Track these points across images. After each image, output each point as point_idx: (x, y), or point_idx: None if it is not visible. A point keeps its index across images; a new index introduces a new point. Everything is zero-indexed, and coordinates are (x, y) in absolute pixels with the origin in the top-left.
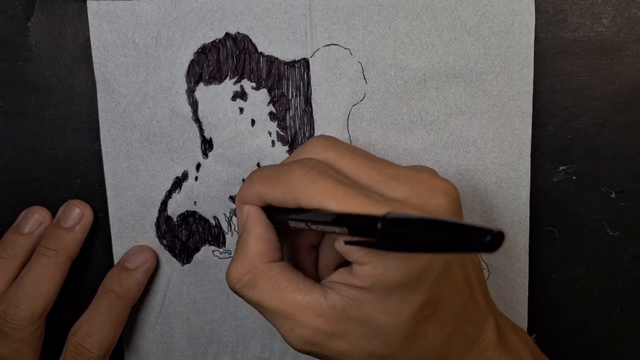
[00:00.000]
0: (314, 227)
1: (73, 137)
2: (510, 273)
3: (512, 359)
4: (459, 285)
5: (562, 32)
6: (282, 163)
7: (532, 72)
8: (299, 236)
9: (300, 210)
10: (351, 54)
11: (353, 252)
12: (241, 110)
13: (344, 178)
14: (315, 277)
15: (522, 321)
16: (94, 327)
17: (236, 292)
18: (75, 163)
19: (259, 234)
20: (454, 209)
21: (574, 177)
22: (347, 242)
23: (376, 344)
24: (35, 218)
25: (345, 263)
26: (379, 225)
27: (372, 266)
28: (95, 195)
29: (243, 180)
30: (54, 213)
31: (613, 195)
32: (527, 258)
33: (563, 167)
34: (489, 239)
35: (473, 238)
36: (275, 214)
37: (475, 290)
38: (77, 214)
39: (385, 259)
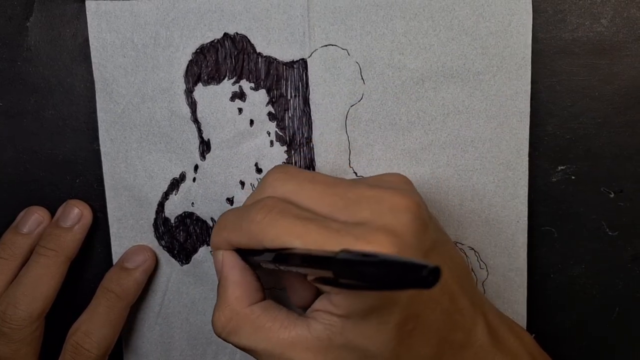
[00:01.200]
0: (281, 267)
1: (72, 137)
2: (508, 272)
3: (507, 358)
4: (436, 296)
5: (561, 32)
6: (245, 206)
7: (530, 71)
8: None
9: (266, 252)
10: (349, 54)
11: (322, 285)
12: (240, 110)
13: (304, 212)
14: (309, 291)
15: (522, 320)
16: (93, 327)
17: (223, 340)
18: (74, 163)
19: (235, 280)
20: (417, 225)
21: (573, 177)
22: (313, 280)
23: None
24: (34, 218)
25: None
26: (334, 267)
27: (343, 296)
28: (95, 195)
29: (240, 182)
30: (53, 213)
31: (612, 195)
32: (525, 257)
33: (562, 167)
34: (425, 274)
35: (410, 274)
36: (248, 255)
37: (456, 297)
38: (76, 214)
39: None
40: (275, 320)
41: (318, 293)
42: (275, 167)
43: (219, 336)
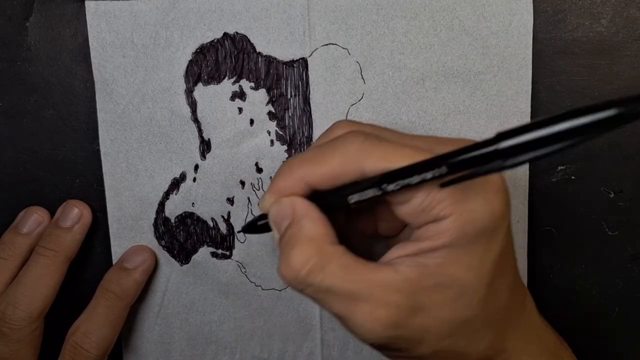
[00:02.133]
0: (391, 187)
1: (72, 137)
2: None
3: (548, 328)
4: (511, 245)
5: (561, 32)
6: (317, 145)
7: (530, 71)
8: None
9: (355, 185)
10: (349, 53)
11: (431, 209)
12: (240, 110)
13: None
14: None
15: None
16: (93, 327)
17: (300, 282)
18: (74, 163)
19: (315, 218)
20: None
21: (573, 177)
22: (443, 185)
23: (457, 308)
24: (34, 218)
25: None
26: (505, 144)
27: (455, 217)
28: (94, 195)
29: (241, 182)
30: (52, 213)
31: (612, 195)
32: (525, 257)
33: (562, 167)
34: (615, 112)
35: (600, 115)
36: (322, 198)
37: (515, 265)
38: (76, 214)
39: (469, 206)
40: (359, 262)
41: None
42: (340, 120)
43: (294, 278)
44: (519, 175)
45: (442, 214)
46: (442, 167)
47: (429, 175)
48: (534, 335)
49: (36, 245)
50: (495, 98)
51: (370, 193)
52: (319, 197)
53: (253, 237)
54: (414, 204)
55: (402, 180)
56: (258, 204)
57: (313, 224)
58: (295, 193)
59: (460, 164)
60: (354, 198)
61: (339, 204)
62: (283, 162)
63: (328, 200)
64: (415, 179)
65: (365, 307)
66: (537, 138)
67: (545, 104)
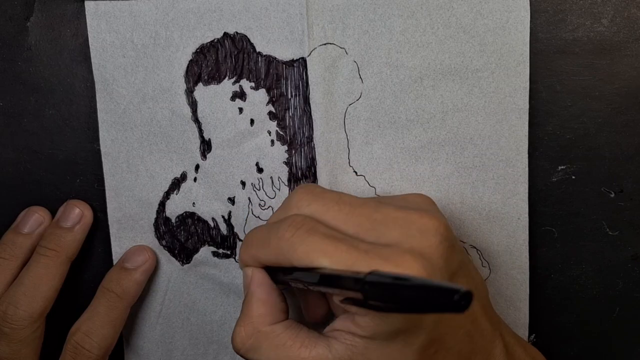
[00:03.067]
0: (310, 287)
1: (73, 137)
2: (510, 270)
3: None
4: (460, 319)
5: (562, 32)
6: (271, 223)
7: (528, 68)
8: None
9: (297, 269)
10: (347, 53)
11: (351, 305)
12: (240, 110)
13: (331, 231)
14: (326, 310)
15: (524, 318)
16: (93, 327)
17: (242, 356)
18: (74, 163)
19: (261, 297)
20: (445, 247)
21: (573, 177)
22: (341, 301)
23: None
24: (34, 218)
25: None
26: (363, 288)
27: (370, 317)
28: (95, 196)
29: (241, 182)
30: (53, 213)
31: (612, 195)
32: (527, 255)
33: (562, 167)
34: (457, 299)
35: (442, 299)
36: (275, 273)
37: (478, 318)
38: (77, 214)
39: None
40: (296, 339)
41: (329, 310)
42: (300, 187)
43: (237, 352)
44: (518, 172)
45: (360, 312)
46: (335, 289)
47: (329, 290)
48: None
49: (37, 245)
50: (493, 95)
51: (299, 285)
52: (274, 269)
53: None
54: (337, 298)
55: (315, 286)
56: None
57: (257, 305)
58: (254, 265)
59: (344, 288)
60: (292, 283)
61: (286, 283)
62: (248, 232)
63: (278, 276)
64: (322, 288)
65: None
66: (396, 296)
67: (545, 104)
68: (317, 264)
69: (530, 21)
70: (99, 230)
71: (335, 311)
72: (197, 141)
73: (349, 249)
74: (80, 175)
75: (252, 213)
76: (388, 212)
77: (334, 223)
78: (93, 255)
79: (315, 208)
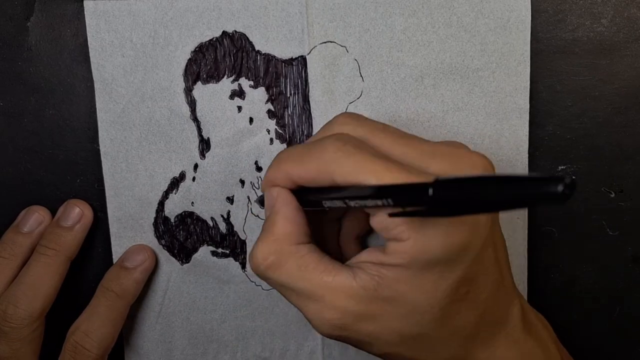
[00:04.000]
0: (352, 203)
1: (73, 137)
2: None
3: (535, 342)
4: (492, 266)
5: (562, 32)
6: (310, 141)
7: (529, 68)
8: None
9: (333, 189)
10: (347, 51)
11: (392, 229)
12: (239, 108)
13: (380, 153)
14: (338, 249)
15: None
16: (93, 326)
17: (260, 274)
18: (75, 163)
19: (287, 215)
20: None
21: (574, 177)
22: (391, 215)
23: (408, 323)
24: (34, 217)
25: (365, 235)
26: (430, 192)
27: (412, 242)
28: (95, 195)
29: (240, 180)
30: (53, 213)
31: (613, 195)
32: (525, 254)
33: (562, 167)
34: (561, 189)
35: (543, 188)
36: (305, 195)
37: (504, 272)
38: (77, 213)
39: (426, 234)
40: (320, 263)
41: (357, 237)
42: (343, 112)
43: (255, 270)
44: (518, 171)
45: (401, 236)
46: (389, 200)
47: (379, 202)
48: (514, 346)
49: (37, 245)
50: (494, 95)
51: (337, 203)
52: (305, 191)
53: (254, 236)
54: (377, 221)
55: (360, 201)
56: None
57: (282, 222)
58: (283, 185)
59: (403, 200)
60: (326, 203)
61: (318, 205)
62: (279, 152)
63: (309, 198)
64: (369, 202)
65: (315, 306)
66: (473, 195)
67: (545, 104)
68: (363, 181)
69: (531, 21)
70: (99, 230)
71: (345, 251)
72: (196, 140)
73: (399, 170)
74: (80, 175)
75: (252, 212)
76: (435, 145)
77: (380, 148)
78: (93, 255)
79: (359, 132)
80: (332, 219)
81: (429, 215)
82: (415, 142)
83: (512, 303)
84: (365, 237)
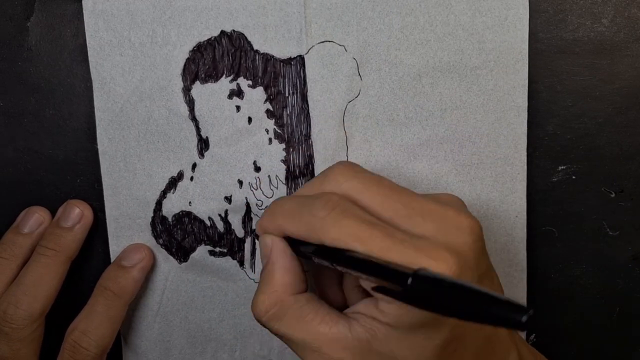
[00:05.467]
0: (339, 268)
1: (73, 137)
2: (508, 268)
3: None
4: (469, 331)
5: (562, 32)
6: (304, 195)
7: (527, 66)
8: None
9: (322, 248)
10: (346, 50)
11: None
12: (238, 108)
13: (367, 215)
14: (339, 294)
15: None
16: (91, 325)
17: (263, 324)
18: (75, 163)
19: (284, 266)
20: (478, 248)
21: (574, 177)
22: (373, 288)
23: None
24: (34, 218)
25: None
26: (409, 281)
27: (397, 305)
28: (95, 195)
29: (239, 180)
30: (53, 213)
31: (613, 195)
32: (525, 252)
33: (563, 167)
34: (525, 320)
35: (506, 314)
36: (298, 246)
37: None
38: (77, 214)
39: None
40: (318, 314)
41: (341, 292)
42: (340, 162)
43: (258, 320)
44: (517, 169)
45: (387, 298)
46: (371, 277)
47: (363, 276)
48: None
49: (37, 245)
50: (492, 93)
51: (325, 263)
52: (297, 242)
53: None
54: (366, 283)
55: (346, 268)
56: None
57: (280, 273)
58: (276, 234)
59: (382, 279)
60: (315, 260)
61: (309, 258)
62: (274, 201)
63: (302, 249)
64: (354, 272)
65: (313, 356)
66: (446, 298)
67: (546, 104)
68: (350, 247)
69: (531, 21)
70: (99, 230)
71: (348, 295)
72: (195, 139)
73: (384, 237)
74: (80, 175)
75: (250, 212)
76: (426, 203)
77: (370, 204)
78: (93, 255)
79: (354, 185)
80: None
81: (404, 301)
82: (406, 199)
83: (508, 353)
84: None
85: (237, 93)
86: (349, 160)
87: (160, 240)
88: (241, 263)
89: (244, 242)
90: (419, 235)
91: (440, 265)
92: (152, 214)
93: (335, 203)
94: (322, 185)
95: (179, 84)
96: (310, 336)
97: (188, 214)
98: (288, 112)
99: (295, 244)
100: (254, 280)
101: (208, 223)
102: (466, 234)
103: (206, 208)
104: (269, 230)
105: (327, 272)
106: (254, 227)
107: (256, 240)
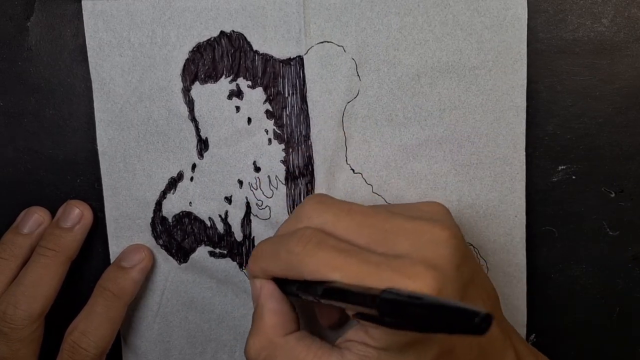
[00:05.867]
0: (322, 301)
1: (73, 137)
2: (508, 268)
3: None
4: (461, 343)
5: (562, 32)
6: (280, 235)
7: (526, 65)
8: None
9: (305, 283)
10: (345, 50)
11: (363, 320)
12: (237, 108)
13: (342, 244)
14: (339, 314)
15: (522, 316)
16: (90, 326)
17: None
18: (75, 163)
19: (272, 309)
20: (457, 257)
21: (574, 177)
22: (355, 315)
23: None
24: (34, 218)
25: None
26: (377, 304)
27: (383, 329)
28: (95, 196)
29: (239, 181)
30: (53, 213)
31: (613, 195)
32: (524, 252)
33: (563, 167)
34: (477, 322)
35: (460, 321)
36: (284, 284)
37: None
38: (77, 214)
39: None
40: (310, 350)
41: (345, 316)
42: (310, 197)
43: None
44: (516, 169)
45: (372, 324)
46: (348, 304)
47: (342, 305)
48: None
49: (37, 246)
50: (491, 93)
51: (310, 297)
52: (284, 282)
53: (251, 237)
54: (348, 313)
55: (327, 300)
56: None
57: (269, 316)
58: (264, 277)
59: (358, 305)
60: (302, 296)
61: (296, 295)
62: (257, 244)
63: (289, 288)
64: (334, 303)
65: None
66: (414, 314)
67: (546, 104)
68: (328, 278)
69: (531, 21)
70: (98, 230)
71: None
72: (194, 140)
73: (359, 263)
74: (80, 175)
75: (250, 212)
76: (399, 222)
77: (345, 234)
78: (93, 255)
79: (326, 218)
80: None
81: (381, 324)
82: (380, 222)
83: (504, 355)
84: None
85: (237, 93)
86: (347, 160)
87: (160, 241)
88: (241, 265)
89: (244, 244)
90: (395, 255)
91: (417, 283)
92: (152, 215)
93: (308, 237)
94: (297, 223)
95: (178, 84)
96: None
97: (188, 214)
98: (287, 112)
99: (282, 284)
100: None
101: (208, 223)
102: (441, 247)
103: (206, 208)
104: (256, 273)
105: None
106: (254, 228)
107: (256, 244)
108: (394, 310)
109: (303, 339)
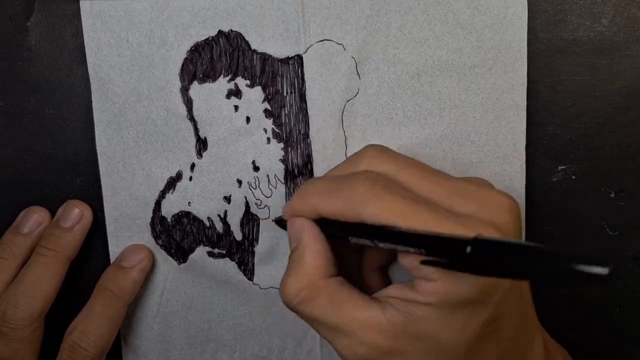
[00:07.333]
0: (381, 245)
1: (73, 137)
2: None
3: None
4: (516, 303)
5: (562, 32)
6: (338, 175)
7: (526, 64)
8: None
9: (361, 227)
10: (344, 49)
11: (421, 269)
12: (236, 108)
13: (409, 192)
14: (359, 278)
15: None
16: (90, 326)
17: (292, 308)
18: (74, 163)
19: (315, 249)
20: (518, 227)
21: (574, 177)
22: (423, 262)
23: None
24: (34, 218)
25: (387, 264)
26: (469, 249)
27: (441, 283)
28: (95, 195)
29: (238, 180)
30: (53, 213)
31: (613, 195)
32: None
33: (562, 167)
34: (608, 273)
35: (589, 269)
36: (330, 228)
37: (527, 307)
38: (77, 214)
39: (456, 275)
40: (350, 297)
41: (379, 268)
42: (370, 145)
43: (287, 303)
44: (516, 169)
45: (431, 277)
46: (422, 249)
47: (411, 249)
48: None
49: (37, 245)
50: (491, 91)
51: (366, 242)
52: (330, 223)
53: (251, 237)
54: (407, 261)
55: (391, 244)
56: (282, 209)
57: (312, 256)
58: (307, 216)
59: (437, 252)
60: (353, 239)
61: (344, 239)
62: (305, 182)
63: (335, 231)
64: (400, 247)
65: (345, 340)
66: (512, 261)
67: (546, 104)
68: (391, 223)
69: (531, 21)
70: (98, 230)
71: (367, 280)
72: (193, 140)
73: (428, 213)
74: (80, 175)
75: (250, 212)
76: (463, 184)
77: (408, 185)
78: (92, 255)
79: (388, 167)
80: (354, 249)
81: (462, 271)
82: (443, 180)
83: (535, 339)
84: (387, 267)
85: (235, 93)
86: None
87: (160, 241)
88: (239, 265)
89: (243, 244)
90: (461, 214)
91: None
92: (151, 214)
93: (374, 179)
94: (356, 168)
95: (177, 84)
96: (343, 320)
97: (187, 214)
98: (286, 111)
99: (325, 227)
100: (252, 281)
101: (207, 223)
102: (506, 213)
103: (205, 208)
104: (300, 212)
105: (347, 258)
106: (253, 229)
107: (255, 243)
108: (489, 256)
109: (344, 285)
